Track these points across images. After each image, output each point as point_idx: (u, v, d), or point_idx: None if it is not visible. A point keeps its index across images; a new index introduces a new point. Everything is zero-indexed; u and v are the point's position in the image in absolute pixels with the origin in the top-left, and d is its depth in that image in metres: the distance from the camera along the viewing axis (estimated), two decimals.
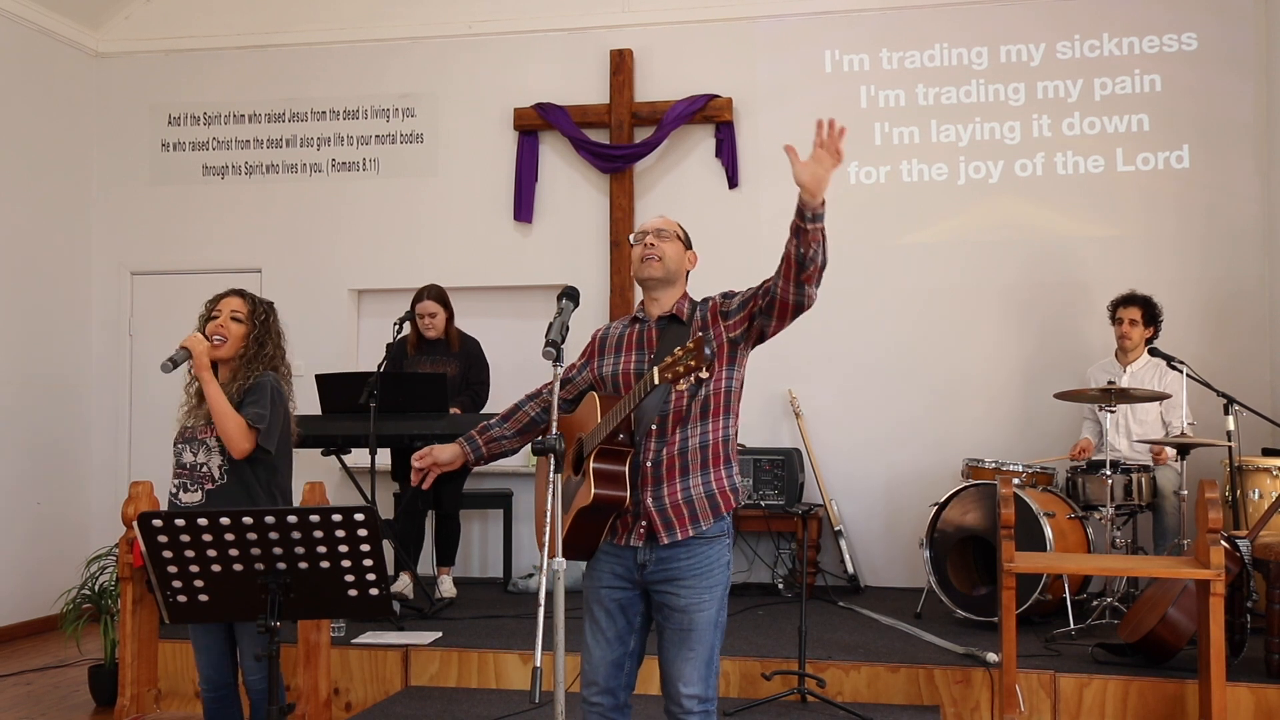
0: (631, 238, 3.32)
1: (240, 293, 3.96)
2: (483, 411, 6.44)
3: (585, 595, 3.24)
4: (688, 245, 3.32)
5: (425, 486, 3.35)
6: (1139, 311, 6.13)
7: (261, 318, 3.91)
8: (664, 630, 3.14)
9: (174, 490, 3.82)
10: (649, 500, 3.09)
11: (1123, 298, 6.20)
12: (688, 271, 3.33)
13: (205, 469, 3.78)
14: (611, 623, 3.16)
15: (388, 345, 6.43)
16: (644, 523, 3.09)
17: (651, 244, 3.23)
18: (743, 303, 3.18)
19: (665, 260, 3.22)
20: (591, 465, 3.03)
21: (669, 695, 3.12)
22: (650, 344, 3.22)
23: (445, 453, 3.33)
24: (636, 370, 3.20)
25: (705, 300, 3.28)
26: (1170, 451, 5.88)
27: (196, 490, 3.78)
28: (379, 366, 6.10)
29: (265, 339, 3.89)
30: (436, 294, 6.41)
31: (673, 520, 3.09)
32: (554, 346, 2.98)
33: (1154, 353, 5.93)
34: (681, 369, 2.76)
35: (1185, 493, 5.58)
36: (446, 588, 6.43)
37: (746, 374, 3.27)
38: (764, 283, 3.14)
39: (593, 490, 3.01)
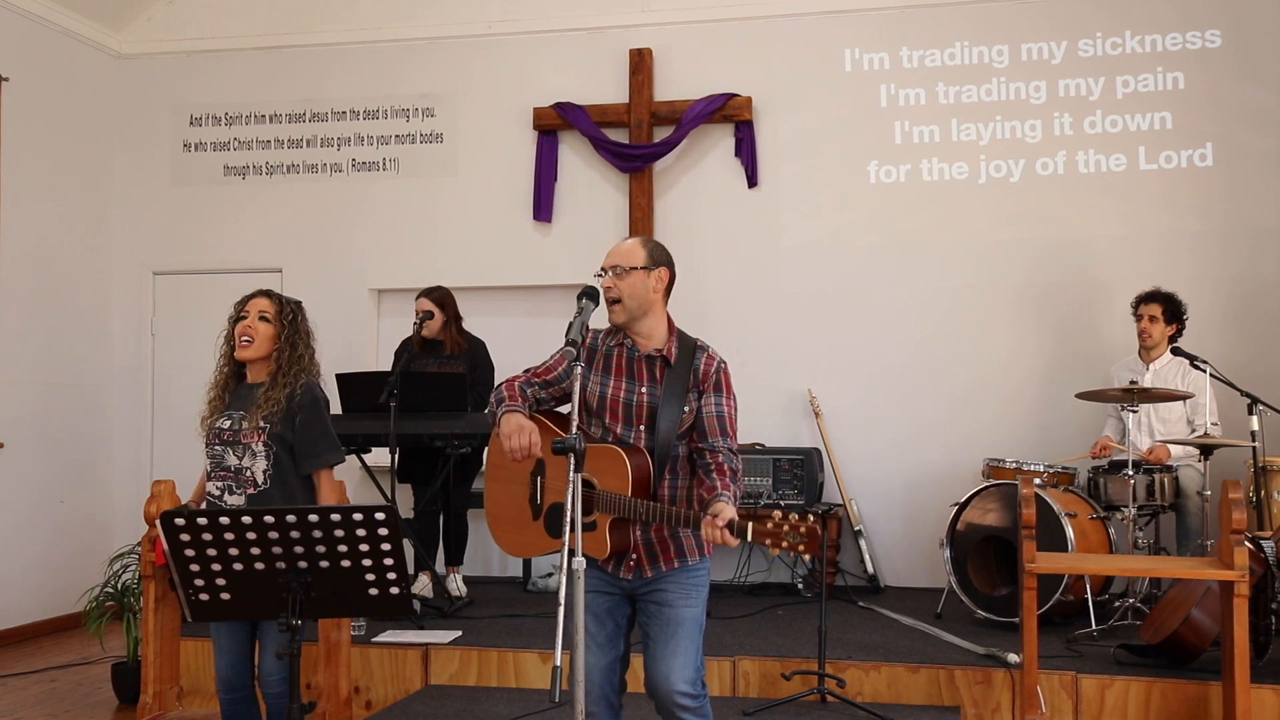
0: (597, 272, 3.29)
1: (268, 293, 3.98)
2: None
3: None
4: (654, 264, 3.23)
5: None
6: (1160, 308, 6.09)
7: (289, 317, 3.92)
8: (649, 629, 3.20)
9: (216, 492, 3.82)
10: (637, 532, 3.18)
11: (1145, 294, 6.16)
12: (666, 290, 3.27)
13: (249, 474, 3.79)
14: (601, 627, 3.21)
15: (400, 345, 6.46)
16: (634, 556, 3.19)
17: (609, 286, 3.21)
18: (695, 421, 3.22)
19: (625, 301, 3.20)
20: (608, 527, 3.13)
21: (661, 693, 3.15)
22: (641, 376, 3.22)
23: (518, 421, 3.13)
24: (626, 400, 3.21)
25: (700, 351, 3.26)
26: (1173, 449, 5.85)
27: (240, 494, 3.79)
28: (397, 366, 6.13)
29: (296, 339, 3.90)
30: (431, 294, 6.43)
31: (658, 553, 3.20)
32: (574, 346, 2.99)
33: (1177, 352, 5.89)
34: (786, 545, 2.86)
35: (1208, 493, 5.54)
36: (456, 587, 6.43)
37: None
38: (702, 450, 3.20)
39: (609, 546, 3.13)
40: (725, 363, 3.30)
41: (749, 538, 2.85)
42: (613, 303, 3.21)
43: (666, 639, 3.15)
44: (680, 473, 3.22)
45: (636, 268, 3.21)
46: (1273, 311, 6.70)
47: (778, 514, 2.88)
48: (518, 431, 3.08)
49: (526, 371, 3.35)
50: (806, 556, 2.85)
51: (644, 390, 3.20)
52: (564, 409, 3.34)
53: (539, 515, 3.29)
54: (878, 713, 4.62)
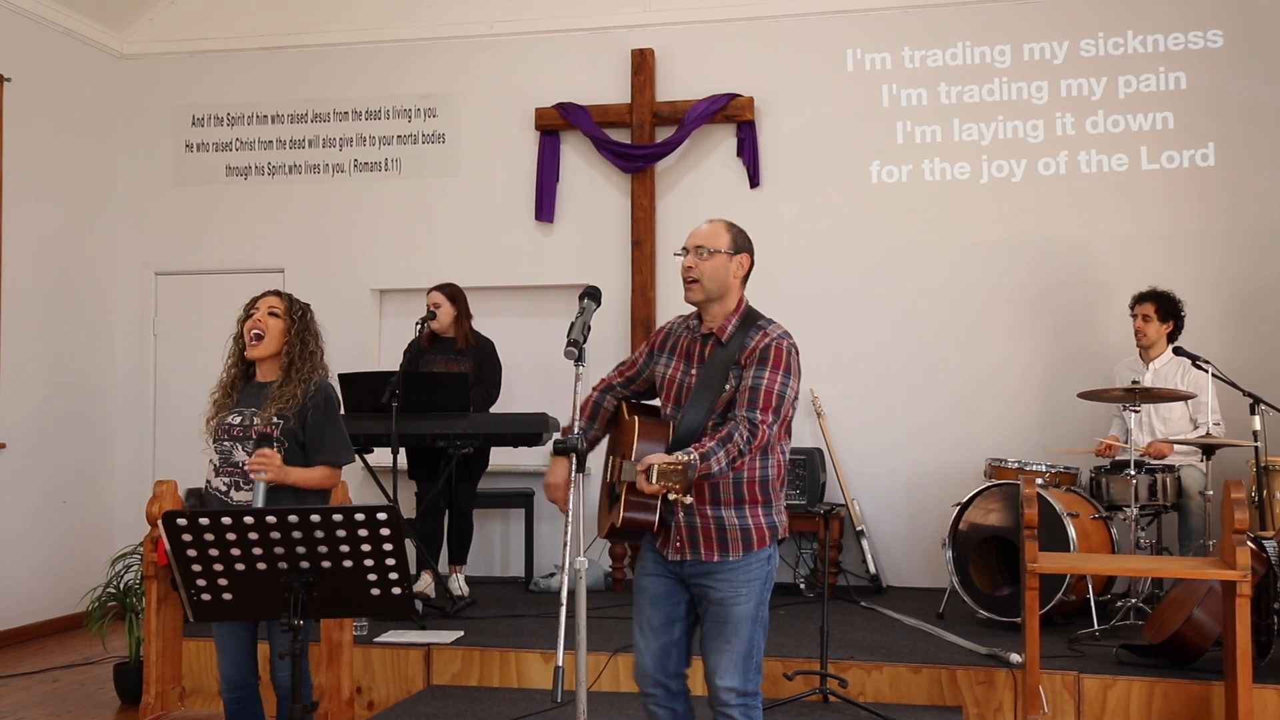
0: (677, 251, 3.31)
1: (277, 292, 4.01)
2: (494, 410, 6.47)
3: (634, 584, 3.33)
4: (737, 250, 3.25)
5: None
6: (1153, 307, 6.10)
7: (299, 314, 3.94)
8: (703, 622, 3.21)
9: (223, 488, 3.82)
10: (680, 515, 3.15)
11: (1139, 294, 6.18)
12: (745, 275, 3.28)
13: None
14: (656, 611, 3.23)
15: (409, 344, 6.47)
16: (678, 539, 3.17)
17: (689, 266, 3.22)
18: (738, 391, 3.16)
19: (704, 282, 3.21)
20: (625, 494, 3.11)
21: (708, 689, 3.18)
22: (694, 358, 3.25)
23: (561, 473, 3.23)
24: (680, 381, 3.24)
25: (757, 329, 3.21)
26: (1176, 449, 5.84)
27: (249, 490, 3.77)
28: (401, 365, 6.14)
29: (306, 336, 3.91)
30: (445, 288, 6.47)
31: (699, 540, 3.15)
32: (576, 346, 3.02)
33: (1179, 351, 5.90)
34: (668, 484, 2.82)
35: (1210, 493, 5.53)
36: (458, 586, 6.43)
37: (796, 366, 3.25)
38: (729, 419, 3.13)
39: (623, 514, 3.11)
40: (785, 339, 3.18)
41: (654, 479, 2.82)
42: (691, 282, 3.21)
43: (715, 636, 3.15)
44: None
45: (720, 251, 3.22)
46: (1275, 311, 6.70)
47: (679, 454, 2.87)
48: (548, 488, 3.27)
49: (618, 367, 3.46)
50: (687, 499, 2.82)
51: (694, 372, 3.22)
52: (654, 401, 3.44)
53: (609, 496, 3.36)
54: (880, 713, 4.62)
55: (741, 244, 3.27)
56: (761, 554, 3.18)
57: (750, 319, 3.25)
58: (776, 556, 3.26)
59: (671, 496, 2.85)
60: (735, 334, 3.21)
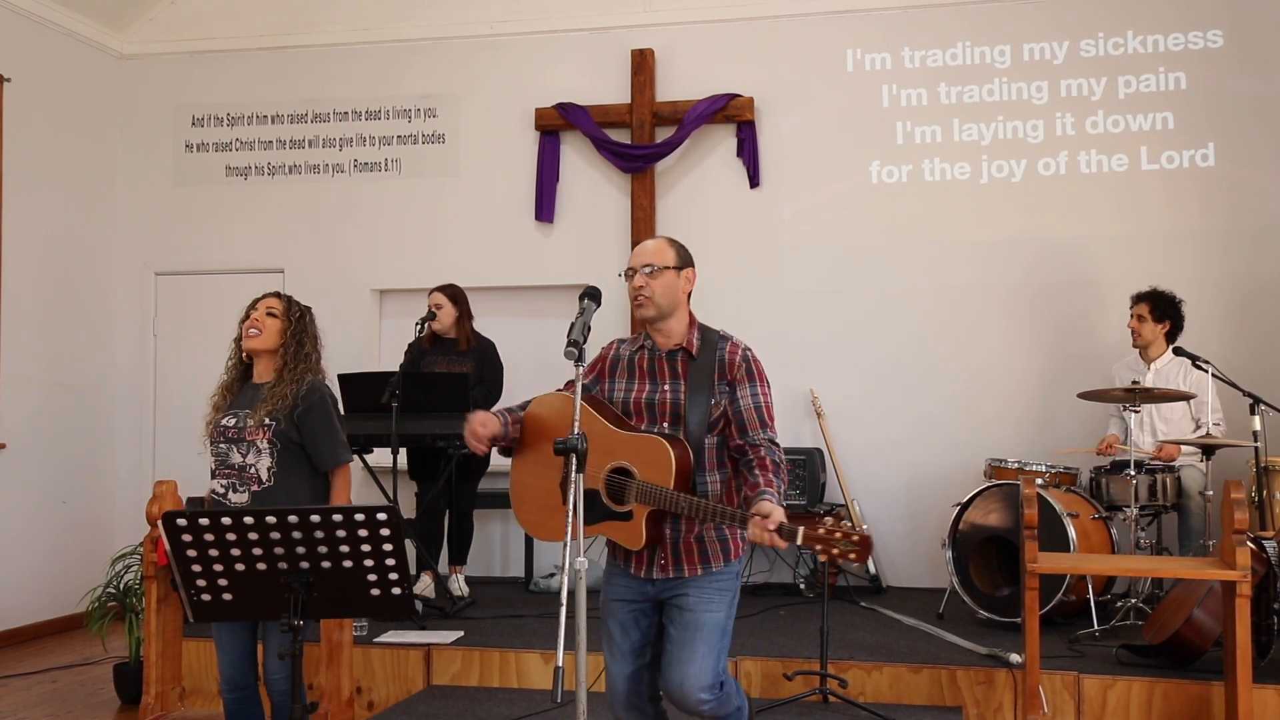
0: (623, 273, 3.33)
1: (277, 294, 4.04)
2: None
3: (602, 607, 3.31)
4: (683, 265, 3.29)
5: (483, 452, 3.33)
6: (1147, 308, 6.10)
7: (297, 315, 3.96)
8: (669, 630, 3.20)
9: (221, 490, 3.84)
10: (667, 530, 3.17)
11: (1135, 295, 6.18)
12: (690, 290, 3.33)
13: (254, 470, 3.80)
14: (625, 636, 3.24)
15: (409, 345, 6.46)
16: (664, 557, 3.18)
17: (641, 285, 3.24)
18: (728, 416, 3.20)
19: (656, 298, 3.24)
20: (645, 519, 3.09)
21: (676, 698, 3.16)
22: (663, 375, 3.26)
23: (493, 426, 3.29)
24: (649, 400, 3.24)
25: (724, 341, 3.27)
26: (1178, 450, 5.85)
27: (244, 491, 3.80)
28: (401, 366, 6.13)
29: (303, 337, 3.93)
30: (447, 289, 6.47)
31: (682, 556, 3.18)
32: (576, 346, 3.02)
33: (1179, 352, 5.90)
34: (837, 551, 2.77)
35: (1210, 493, 5.53)
36: (458, 587, 6.43)
37: (766, 373, 3.29)
38: (743, 446, 3.18)
39: (644, 538, 3.09)
40: (752, 350, 3.27)
41: (799, 542, 2.79)
42: (644, 300, 3.23)
43: (685, 643, 3.14)
44: (708, 467, 3.19)
45: (669, 267, 3.25)
46: (1275, 311, 6.70)
47: (830, 520, 2.84)
48: (471, 419, 3.25)
49: (568, 383, 3.40)
50: (856, 565, 2.79)
51: (666, 388, 3.23)
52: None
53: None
54: (880, 713, 4.62)
55: (686, 259, 3.32)
56: (734, 566, 3.24)
57: (707, 331, 3.31)
58: (742, 573, 3.32)
59: (825, 558, 2.82)
60: (703, 347, 3.26)
